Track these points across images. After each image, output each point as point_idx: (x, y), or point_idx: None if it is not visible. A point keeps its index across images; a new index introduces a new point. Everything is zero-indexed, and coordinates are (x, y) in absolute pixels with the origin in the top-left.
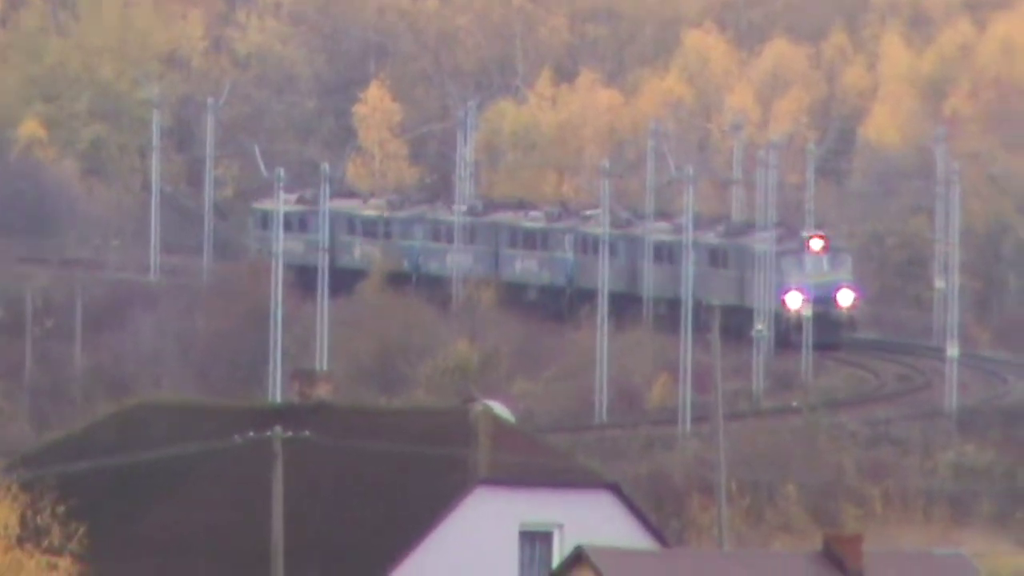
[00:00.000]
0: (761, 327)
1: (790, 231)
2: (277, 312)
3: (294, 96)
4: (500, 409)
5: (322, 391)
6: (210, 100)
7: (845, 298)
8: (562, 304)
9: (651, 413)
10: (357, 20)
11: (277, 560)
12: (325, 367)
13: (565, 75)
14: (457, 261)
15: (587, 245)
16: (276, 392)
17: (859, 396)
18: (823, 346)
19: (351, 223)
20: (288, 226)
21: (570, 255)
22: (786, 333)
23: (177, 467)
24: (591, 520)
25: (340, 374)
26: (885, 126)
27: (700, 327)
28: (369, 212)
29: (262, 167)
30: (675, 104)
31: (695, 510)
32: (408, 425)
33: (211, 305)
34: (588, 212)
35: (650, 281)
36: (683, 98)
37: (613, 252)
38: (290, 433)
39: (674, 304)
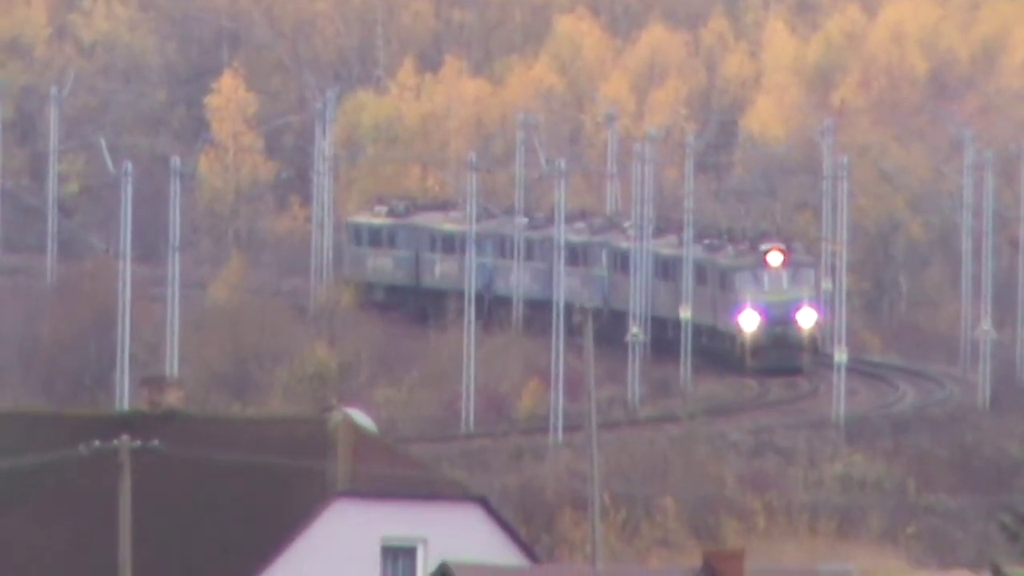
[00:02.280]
0: (636, 331)
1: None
2: (125, 315)
3: (143, 86)
4: (361, 418)
5: (172, 399)
6: (53, 90)
7: (806, 318)
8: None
9: (520, 422)
10: (209, 6)
11: None
12: (175, 373)
13: (429, 64)
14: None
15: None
16: (124, 400)
17: (741, 404)
18: (782, 371)
19: (433, 239)
20: (377, 241)
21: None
22: (741, 358)
23: (19, 479)
24: (457, 535)
25: (191, 381)
26: (769, 118)
27: (573, 331)
28: (450, 227)
29: (109, 162)
30: (546, 94)
31: (567, 525)
32: (264, 435)
33: (55, 308)
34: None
35: (520, 284)
36: (554, 88)
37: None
38: (139, 443)
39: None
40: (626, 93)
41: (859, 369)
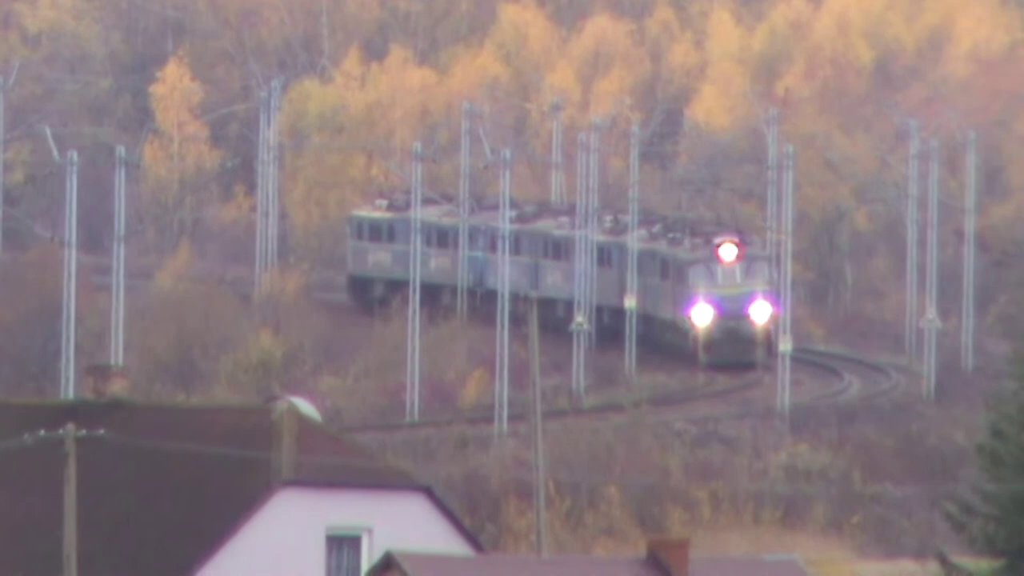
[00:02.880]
0: (581, 320)
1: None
2: (70, 304)
3: (88, 75)
4: (305, 407)
5: (117, 387)
6: None
7: (760, 312)
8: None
9: (465, 411)
10: None
11: (70, 565)
12: (120, 362)
13: (374, 53)
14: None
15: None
16: (69, 388)
17: (686, 393)
18: (735, 366)
19: (428, 233)
20: (377, 235)
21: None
22: (693, 352)
23: None
24: (402, 524)
25: (136, 369)
26: (714, 107)
27: (518, 319)
28: (445, 220)
29: (54, 151)
30: (491, 83)
31: (512, 514)
32: (208, 424)
33: (0, 296)
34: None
35: (465, 272)
36: (499, 77)
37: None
38: (84, 432)
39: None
40: (571, 82)
41: (804, 359)
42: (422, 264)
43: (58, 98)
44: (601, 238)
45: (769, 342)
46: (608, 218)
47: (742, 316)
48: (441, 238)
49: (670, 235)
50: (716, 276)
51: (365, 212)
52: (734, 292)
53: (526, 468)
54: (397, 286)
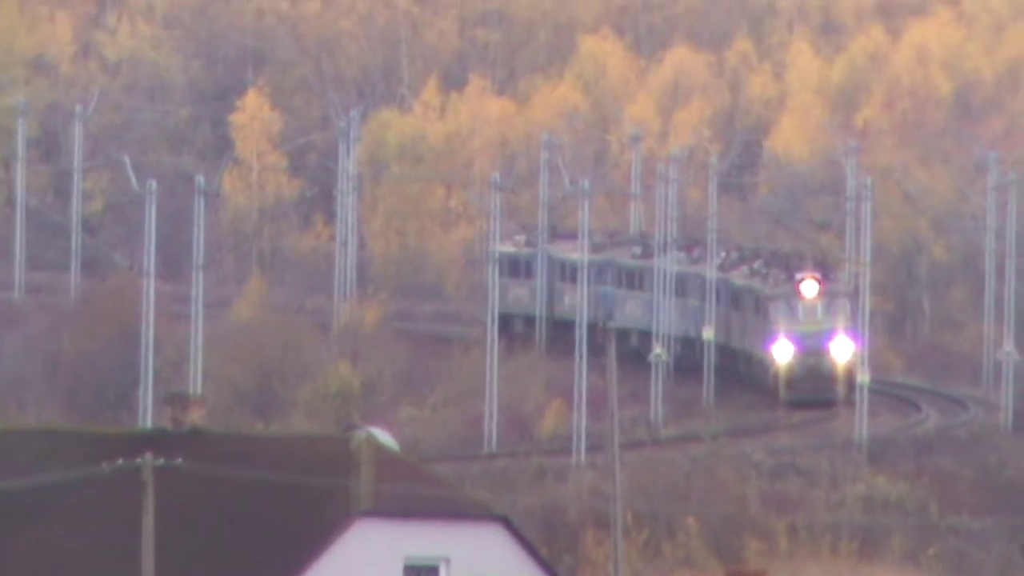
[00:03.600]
0: (660, 351)
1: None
2: (148, 333)
3: (167, 104)
4: (384, 436)
5: (195, 416)
6: (78, 108)
7: (841, 349)
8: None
9: (543, 442)
10: (234, 24)
11: None
12: (199, 391)
13: (453, 83)
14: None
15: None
16: (147, 417)
17: (764, 424)
18: (816, 403)
19: (563, 268)
20: (515, 271)
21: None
22: (774, 389)
23: (41, 497)
24: (479, 554)
25: (214, 398)
26: (792, 138)
27: (596, 351)
28: (573, 256)
29: (133, 180)
30: (570, 114)
31: (589, 544)
32: (286, 453)
33: (78, 325)
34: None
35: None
36: (578, 108)
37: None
38: (161, 461)
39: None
40: (650, 113)
41: (882, 390)
42: (555, 299)
43: (137, 127)
44: (680, 268)
45: (851, 379)
46: (690, 252)
47: (823, 353)
48: (571, 273)
49: (751, 266)
50: (797, 312)
51: (505, 248)
52: (815, 329)
53: (604, 498)
54: (535, 322)
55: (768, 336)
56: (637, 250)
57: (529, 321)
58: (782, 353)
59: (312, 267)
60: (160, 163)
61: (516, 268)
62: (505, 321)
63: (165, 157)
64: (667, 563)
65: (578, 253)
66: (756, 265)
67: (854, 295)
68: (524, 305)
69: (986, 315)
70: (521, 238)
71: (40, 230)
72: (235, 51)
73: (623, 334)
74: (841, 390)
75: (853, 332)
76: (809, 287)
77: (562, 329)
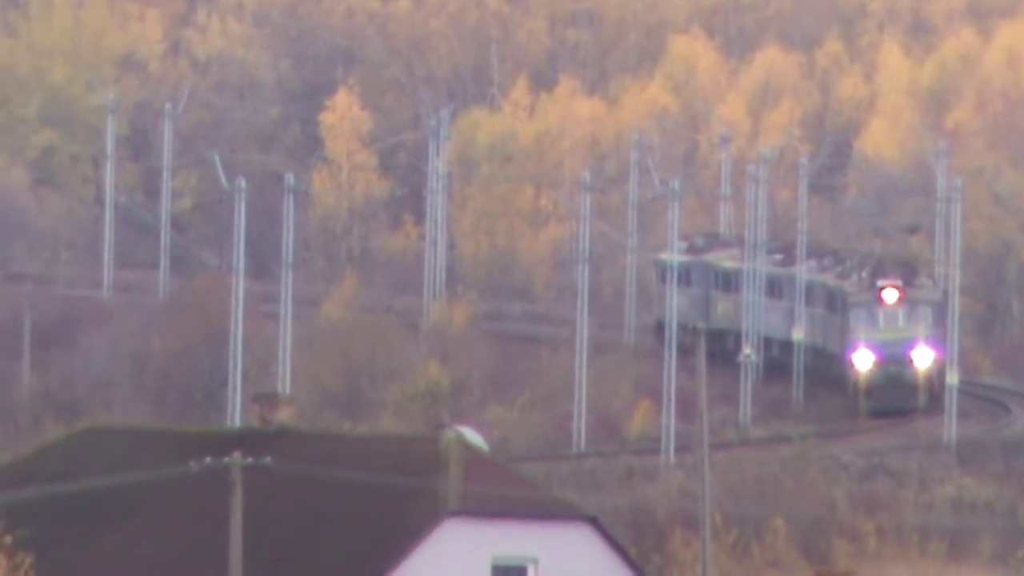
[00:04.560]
0: (749, 351)
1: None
2: (237, 331)
3: (257, 103)
4: (472, 436)
5: (284, 416)
6: (168, 106)
7: (922, 357)
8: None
9: (632, 442)
10: (324, 23)
11: None
12: (287, 390)
13: (543, 82)
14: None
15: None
16: (235, 416)
17: (853, 426)
18: (897, 412)
19: (717, 277)
20: (679, 279)
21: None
22: (854, 398)
23: (130, 495)
24: (568, 554)
25: (303, 398)
26: (883, 139)
27: (686, 351)
28: (728, 264)
29: (223, 178)
30: (660, 114)
31: (677, 545)
32: (375, 452)
33: (167, 324)
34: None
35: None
36: (668, 108)
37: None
38: (250, 460)
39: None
40: (741, 114)
41: (971, 392)
42: (711, 308)
43: (227, 125)
44: (771, 270)
45: (932, 388)
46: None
47: (905, 361)
48: (727, 282)
49: (838, 268)
50: (878, 320)
51: (666, 256)
52: (896, 337)
53: (692, 499)
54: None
55: (849, 344)
56: (778, 257)
57: (685, 330)
58: (862, 362)
59: (401, 267)
60: (249, 162)
61: (682, 278)
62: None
63: (254, 156)
64: (755, 564)
65: (733, 261)
66: (846, 266)
67: (938, 302)
68: (683, 313)
69: None
70: (684, 245)
71: (129, 229)
72: (325, 50)
73: (716, 335)
74: (923, 399)
75: (935, 340)
76: (890, 294)
77: (716, 339)
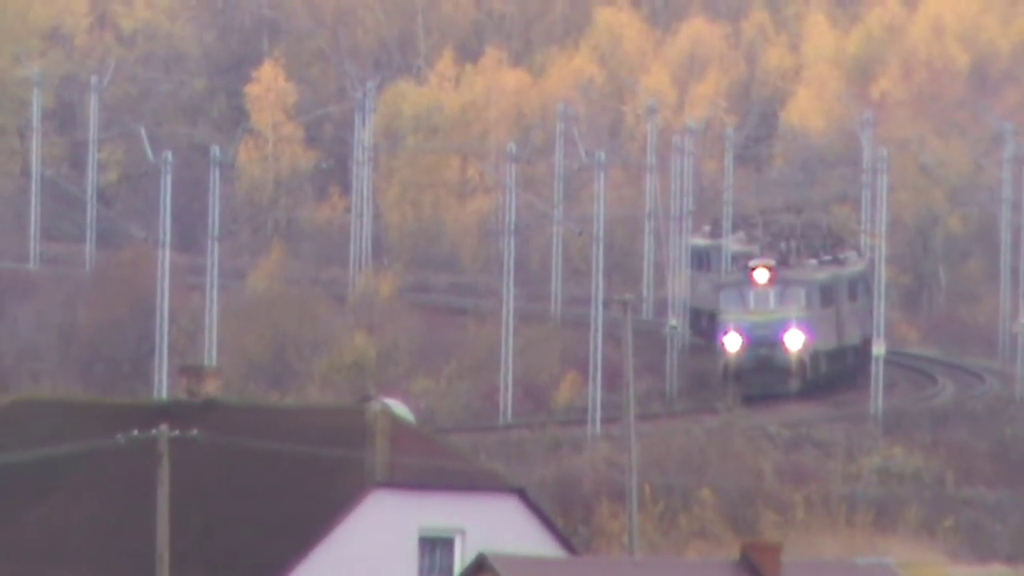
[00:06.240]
0: (675, 323)
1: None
2: (164, 304)
3: (182, 75)
4: (399, 408)
5: (211, 387)
6: (94, 79)
7: (794, 340)
8: None
9: (558, 413)
10: None
11: (163, 565)
12: (214, 362)
13: (469, 54)
14: None
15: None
16: (162, 388)
17: (779, 397)
18: (768, 397)
19: (734, 260)
20: (699, 264)
21: None
22: (724, 379)
23: (57, 467)
24: (495, 526)
25: (230, 370)
26: (809, 110)
27: (610, 322)
28: (736, 247)
29: (148, 150)
30: (586, 85)
31: (605, 516)
32: (302, 424)
33: (93, 296)
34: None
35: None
36: (594, 79)
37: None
38: (177, 432)
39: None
40: (666, 85)
41: (898, 362)
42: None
43: (153, 98)
44: (700, 242)
45: (804, 372)
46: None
47: (775, 344)
48: (699, 261)
49: (769, 240)
50: (749, 301)
51: (695, 240)
52: (767, 319)
53: (619, 470)
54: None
55: (719, 326)
56: (707, 229)
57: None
58: (732, 344)
59: (327, 238)
60: (175, 134)
61: (701, 261)
62: (696, 315)
63: (180, 128)
64: (682, 535)
65: (741, 245)
66: (757, 233)
67: (812, 283)
68: (708, 300)
69: (1002, 287)
70: (707, 228)
71: (55, 201)
72: (250, 21)
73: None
74: (795, 383)
75: (808, 323)
76: (761, 274)
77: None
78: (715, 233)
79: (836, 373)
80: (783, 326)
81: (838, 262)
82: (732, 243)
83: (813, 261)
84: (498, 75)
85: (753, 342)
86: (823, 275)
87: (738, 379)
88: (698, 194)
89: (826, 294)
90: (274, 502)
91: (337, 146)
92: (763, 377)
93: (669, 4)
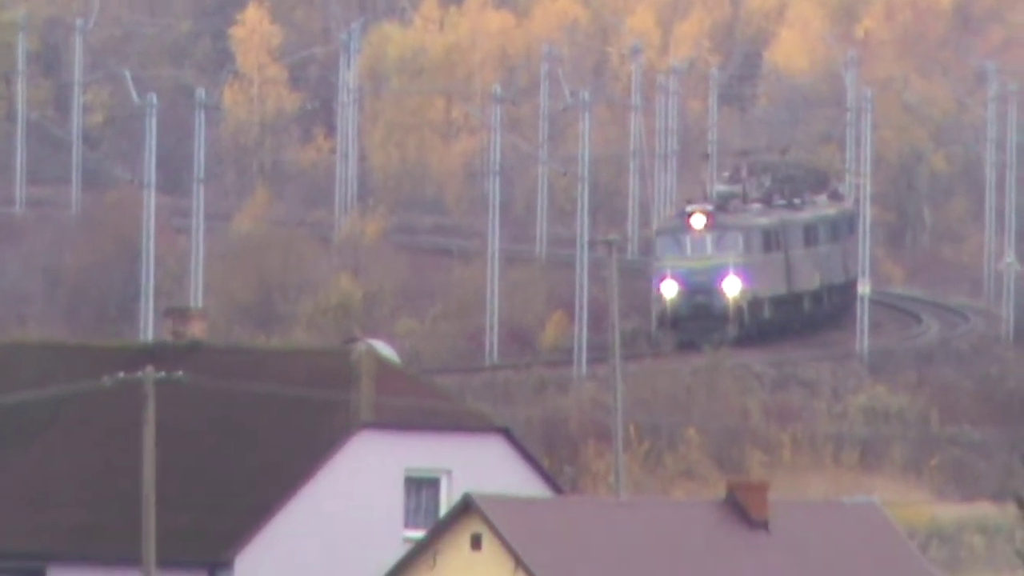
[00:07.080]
0: None
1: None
2: (149, 246)
3: (168, 18)
4: (384, 349)
5: (196, 330)
6: (79, 22)
7: (732, 286)
8: None
9: (544, 354)
10: None
11: (149, 507)
12: (200, 304)
13: None
14: None
15: None
16: (148, 331)
17: (766, 336)
18: (703, 344)
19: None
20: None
21: None
22: (659, 328)
23: (43, 410)
24: (480, 466)
25: (215, 312)
26: (792, 50)
27: (596, 263)
28: (723, 187)
29: (134, 93)
30: (570, 27)
31: (591, 456)
32: (287, 366)
33: (79, 239)
34: None
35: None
36: (579, 20)
37: None
38: (163, 374)
39: None
40: (650, 25)
41: (883, 301)
42: None
43: (138, 40)
44: (723, 188)
45: (742, 319)
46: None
47: (712, 291)
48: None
49: (751, 180)
50: (685, 247)
51: (719, 187)
52: (704, 265)
53: (605, 410)
54: None
55: (656, 273)
56: (725, 175)
57: None
58: (668, 291)
59: (312, 180)
60: (160, 77)
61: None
62: None
63: (165, 71)
64: (668, 474)
65: (725, 185)
66: (742, 174)
67: (750, 228)
68: None
69: (987, 226)
70: (726, 174)
71: (41, 144)
72: None
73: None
74: (732, 330)
75: (744, 271)
76: (698, 220)
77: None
78: (733, 179)
79: (786, 319)
80: (720, 272)
81: (792, 207)
82: (717, 183)
83: (757, 205)
84: (483, 16)
85: (690, 289)
86: (766, 220)
87: (675, 326)
88: (683, 134)
89: (770, 239)
90: (260, 444)
91: (322, 88)
92: (700, 324)
93: None
